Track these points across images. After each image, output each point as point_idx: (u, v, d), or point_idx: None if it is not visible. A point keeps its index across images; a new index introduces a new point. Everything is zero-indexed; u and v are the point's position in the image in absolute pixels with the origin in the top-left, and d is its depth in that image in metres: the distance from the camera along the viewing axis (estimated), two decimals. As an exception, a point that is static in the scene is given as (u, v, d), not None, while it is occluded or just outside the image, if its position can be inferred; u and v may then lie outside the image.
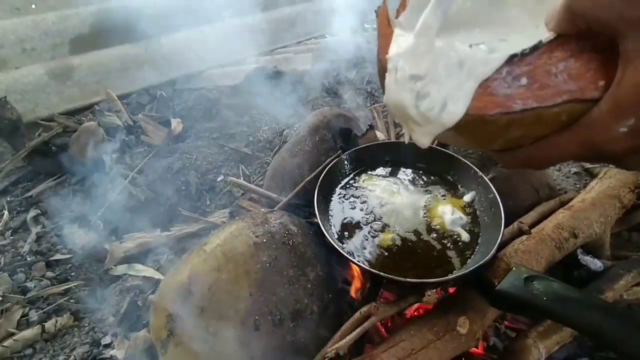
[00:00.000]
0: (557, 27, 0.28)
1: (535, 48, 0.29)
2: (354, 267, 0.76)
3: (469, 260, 0.72)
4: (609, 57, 0.27)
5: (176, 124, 1.54)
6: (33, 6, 1.59)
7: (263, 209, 0.88)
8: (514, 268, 0.64)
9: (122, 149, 1.43)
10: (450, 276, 0.64)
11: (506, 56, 0.29)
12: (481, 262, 0.64)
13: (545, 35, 0.29)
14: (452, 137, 0.34)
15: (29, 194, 1.31)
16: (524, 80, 0.29)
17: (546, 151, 0.31)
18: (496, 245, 0.67)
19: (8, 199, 1.30)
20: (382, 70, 0.36)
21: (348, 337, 0.60)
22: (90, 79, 1.65)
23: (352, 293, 0.74)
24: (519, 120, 0.29)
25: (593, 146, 0.28)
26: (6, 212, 1.24)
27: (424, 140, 0.35)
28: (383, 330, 0.76)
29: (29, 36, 1.57)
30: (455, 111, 0.30)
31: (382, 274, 0.65)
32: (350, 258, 0.68)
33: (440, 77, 0.31)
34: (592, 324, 0.51)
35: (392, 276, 0.64)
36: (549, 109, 0.28)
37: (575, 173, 1.14)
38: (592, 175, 1.11)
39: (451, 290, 0.75)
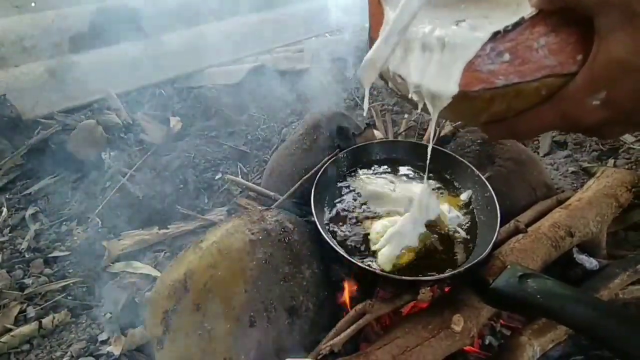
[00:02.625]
0: (538, 3, 0.30)
1: (517, 24, 0.30)
2: (350, 264, 0.76)
3: (464, 258, 0.72)
4: (588, 31, 0.28)
5: (175, 122, 1.54)
6: (33, 4, 1.59)
7: (260, 207, 0.88)
8: (509, 266, 0.64)
9: (121, 147, 1.43)
10: (445, 274, 0.64)
11: (490, 34, 0.30)
12: (476, 261, 0.64)
13: (528, 11, 0.30)
14: (445, 113, 0.35)
15: (28, 191, 1.31)
16: (506, 57, 0.30)
17: (528, 123, 0.33)
18: (491, 243, 0.67)
19: (7, 196, 1.30)
20: None
21: (343, 334, 0.61)
22: (90, 77, 1.65)
23: (346, 291, 0.74)
24: (502, 95, 0.31)
25: (570, 118, 0.30)
26: (5, 209, 1.24)
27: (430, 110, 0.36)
28: (379, 327, 0.76)
29: (28, 34, 1.57)
30: (447, 90, 0.32)
31: (377, 271, 0.65)
32: (345, 256, 0.68)
33: (429, 59, 0.33)
34: (586, 322, 0.51)
35: (386, 274, 0.64)
36: (529, 83, 0.30)
37: (572, 172, 1.14)
38: (590, 174, 1.11)
39: (447, 288, 0.75)
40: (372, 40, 0.39)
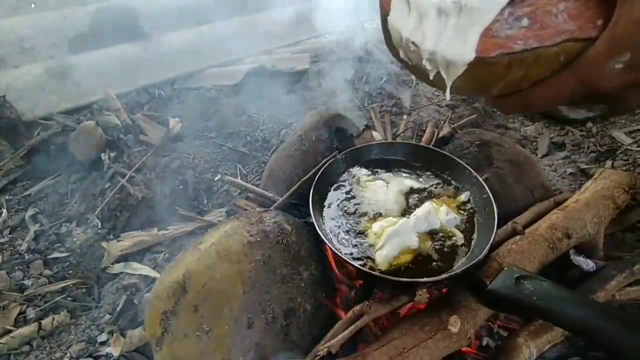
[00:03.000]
0: None
1: None
2: (348, 266, 0.77)
3: (462, 260, 0.72)
4: None
5: (174, 124, 1.55)
6: (32, 5, 1.59)
7: (259, 209, 0.88)
8: (505, 268, 0.64)
9: (120, 148, 1.44)
10: (442, 276, 0.65)
11: None
12: (473, 262, 0.65)
13: None
14: (458, 83, 0.34)
15: (28, 192, 1.32)
16: (525, 21, 0.29)
17: (545, 92, 0.32)
18: (488, 245, 0.68)
19: (7, 197, 1.30)
20: (385, 15, 0.37)
21: (340, 336, 0.61)
22: (89, 78, 1.66)
23: (344, 292, 0.74)
24: (520, 60, 0.30)
25: (590, 83, 0.30)
26: (5, 211, 1.25)
27: (441, 86, 0.36)
28: (377, 329, 0.76)
29: (28, 35, 1.57)
30: (463, 56, 0.31)
31: (374, 272, 0.65)
32: (343, 257, 0.68)
33: (445, 23, 0.32)
34: (581, 323, 0.52)
35: (384, 275, 0.64)
36: (548, 48, 0.29)
37: (570, 173, 1.14)
38: (588, 175, 1.11)
39: (444, 289, 0.75)
40: (383, 6, 0.38)
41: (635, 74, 0.28)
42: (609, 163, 1.13)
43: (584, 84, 0.30)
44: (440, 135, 1.18)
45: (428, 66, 0.35)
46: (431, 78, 0.36)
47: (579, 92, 0.31)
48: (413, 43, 0.35)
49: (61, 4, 1.65)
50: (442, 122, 1.32)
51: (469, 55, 0.31)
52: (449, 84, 0.34)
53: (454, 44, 0.32)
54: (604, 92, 0.30)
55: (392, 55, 0.41)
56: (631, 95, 0.31)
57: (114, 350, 0.82)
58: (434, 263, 0.71)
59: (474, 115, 1.44)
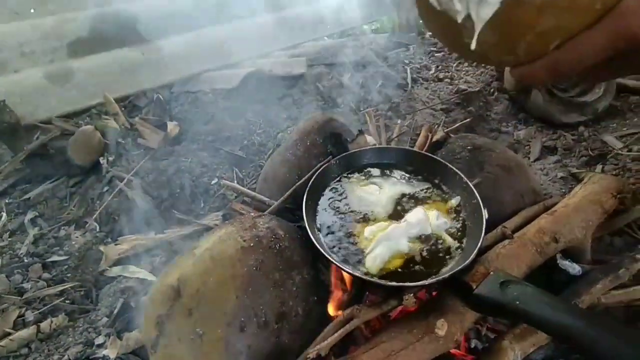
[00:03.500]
0: None
1: None
2: (339, 270, 0.78)
3: (451, 264, 0.74)
4: None
5: (172, 127, 1.56)
6: (32, 10, 1.61)
7: (252, 213, 0.90)
8: (492, 272, 0.66)
9: (119, 152, 1.45)
10: (429, 280, 0.66)
11: None
12: (459, 268, 0.66)
13: None
14: (484, 36, 0.33)
15: (27, 196, 1.33)
16: None
17: (575, 50, 0.30)
18: (475, 250, 0.69)
19: (6, 201, 1.32)
20: None
21: (330, 338, 0.63)
22: (89, 82, 1.68)
23: (336, 296, 0.76)
24: (554, 2, 0.29)
25: (627, 33, 0.28)
26: (4, 214, 1.26)
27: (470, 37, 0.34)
28: (368, 332, 0.78)
29: (28, 40, 1.59)
30: None
31: (363, 277, 0.67)
32: (334, 261, 0.70)
33: None
34: (562, 328, 0.53)
35: (372, 279, 0.66)
36: None
37: (561, 177, 1.16)
38: (578, 179, 1.13)
39: (434, 293, 0.77)
40: None
41: None
42: (599, 167, 1.14)
43: (620, 36, 0.29)
44: (433, 139, 1.20)
45: (458, 6, 0.33)
46: (459, 20, 0.34)
47: (614, 47, 0.29)
48: None
49: (60, 9, 1.67)
50: (436, 126, 1.34)
51: None
52: (477, 28, 0.33)
53: None
54: None
55: (416, 7, 0.40)
56: None
57: (110, 352, 0.84)
58: (424, 267, 0.72)
59: (468, 119, 1.46)
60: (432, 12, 0.37)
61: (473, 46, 0.34)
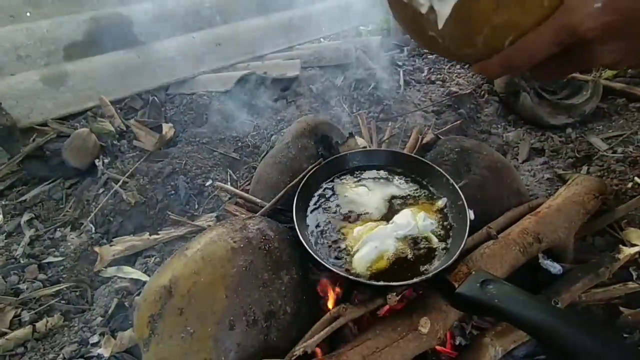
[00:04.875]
0: None
1: None
2: (327, 270, 0.80)
3: (436, 264, 0.76)
4: None
5: (167, 129, 1.58)
6: (28, 14, 1.63)
7: (244, 215, 0.92)
8: (473, 272, 0.68)
9: (114, 154, 1.47)
10: (414, 280, 0.69)
11: None
12: (442, 267, 0.69)
13: None
14: (447, 28, 0.37)
15: (23, 198, 1.35)
16: None
17: (527, 45, 0.34)
18: (458, 251, 0.71)
19: (3, 202, 1.34)
20: None
21: (316, 336, 0.65)
22: (84, 85, 1.69)
23: (324, 295, 0.78)
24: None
25: (569, 28, 0.32)
26: (0, 216, 1.28)
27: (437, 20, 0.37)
28: (356, 329, 0.80)
29: (23, 43, 1.61)
30: None
31: (350, 277, 0.69)
32: (322, 262, 0.72)
33: None
34: (537, 325, 0.55)
35: (358, 279, 0.68)
36: None
37: (548, 179, 1.18)
38: (564, 180, 1.15)
39: (420, 292, 0.79)
40: None
41: (612, 15, 0.31)
42: (585, 169, 1.17)
43: (565, 30, 0.32)
44: (423, 141, 1.22)
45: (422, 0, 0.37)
46: (423, 12, 0.37)
47: (560, 41, 0.33)
48: None
49: (56, 12, 1.68)
50: (426, 128, 1.36)
51: None
52: (440, 20, 0.36)
53: None
54: (583, 36, 0.32)
55: (389, 6, 0.43)
56: (607, 48, 0.33)
57: (105, 351, 0.85)
58: (410, 267, 0.75)
59: (459, 121, 1.48)
60: (400, 4, 0.40)
61: (440, 26, 0.37)
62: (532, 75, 0.42)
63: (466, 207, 0.82)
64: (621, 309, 0.82)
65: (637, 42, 0.33)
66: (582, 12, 0.31)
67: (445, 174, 0.91)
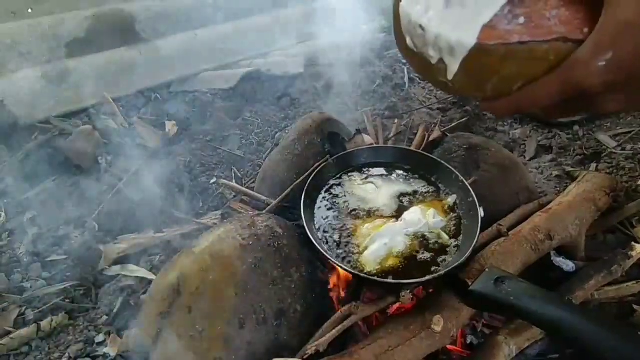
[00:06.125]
0: None
1: None
2: (337, 268, 0.79)
3: (447, 261, 0.75)
4: (593, 10, 0.33)
5: (171, 127, 1.57)
6: (29, 10, 1.61)
7: (252, 212, 0.91)
8: (487, 269, 0.67)
9: (117, 152, 1.46)
10: (425, 278, 0.68)
11: None
12: (455, 265, 0.68)
13: None
14: (457, 76, 0.38)
15: (26, 195, 1.34)
16: (521, 20, 0.34)
17: (534, 92, 0.36)
18: (471, 248, 0.70)
19: (5, 200, 1.32)
20: (398, 0, 0.41)
21: (328, 335, 0.64)
22: (86, 82, 1.67)
23: (334, 293, 0.77)
24: (514, 52, 0.34)
25: (575, 82, 0.34)
26: (3, 214, 1.27)
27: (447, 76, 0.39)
28: (367, 328, 0.79)
29: (25, 40, 1.59)
30: (466, 41, 0.35)
31: (361, 274, 0.68)
32: (332, 259, 0.71)
33: (452, 12, 0.37)
34: (554, 322, 0.54)
35: (369, 277, 0.67)
36: (540, 44, 0.34)
37: (556, 176, 1.17)
38: (573, 178, 1.14)
39: (431, 290, 0.78)
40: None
41: (614, 73, 0.32)
42: (593, 166, 1.16)
43: (570, 83, 0.34)
44: (430, 138, 1.21)
45: (432, 52, 0.38)
46: (434, 63, 0.39)
47: (565, 92, 0.34)
48: (420, 26, 0.38)
49: (58, 9, 1.67)
50: (432, 126, 1.35)
51: (471, 40, 0.35)
52: (450, 72, 0.38)
53: (458, 30, 0.36)
54: (587, 90, 0.33)
55: (397, 47, 0.45)
56: (609, 99, 0.35)
57: (111, 350, 0.84)
58: (421, 265, 0.74)
59: (465, 119, 1.47)
60: (411, 52, 0.42)
61: (450, 77, 0.39)
62: (541, 114, 0.43)
63: (477, 203, 0.82)
64: (635, 307, 0.81)
65: (633, 99, 0.35)
66: (586, 69, 0.32)
67: (455, 171, 0.91)
